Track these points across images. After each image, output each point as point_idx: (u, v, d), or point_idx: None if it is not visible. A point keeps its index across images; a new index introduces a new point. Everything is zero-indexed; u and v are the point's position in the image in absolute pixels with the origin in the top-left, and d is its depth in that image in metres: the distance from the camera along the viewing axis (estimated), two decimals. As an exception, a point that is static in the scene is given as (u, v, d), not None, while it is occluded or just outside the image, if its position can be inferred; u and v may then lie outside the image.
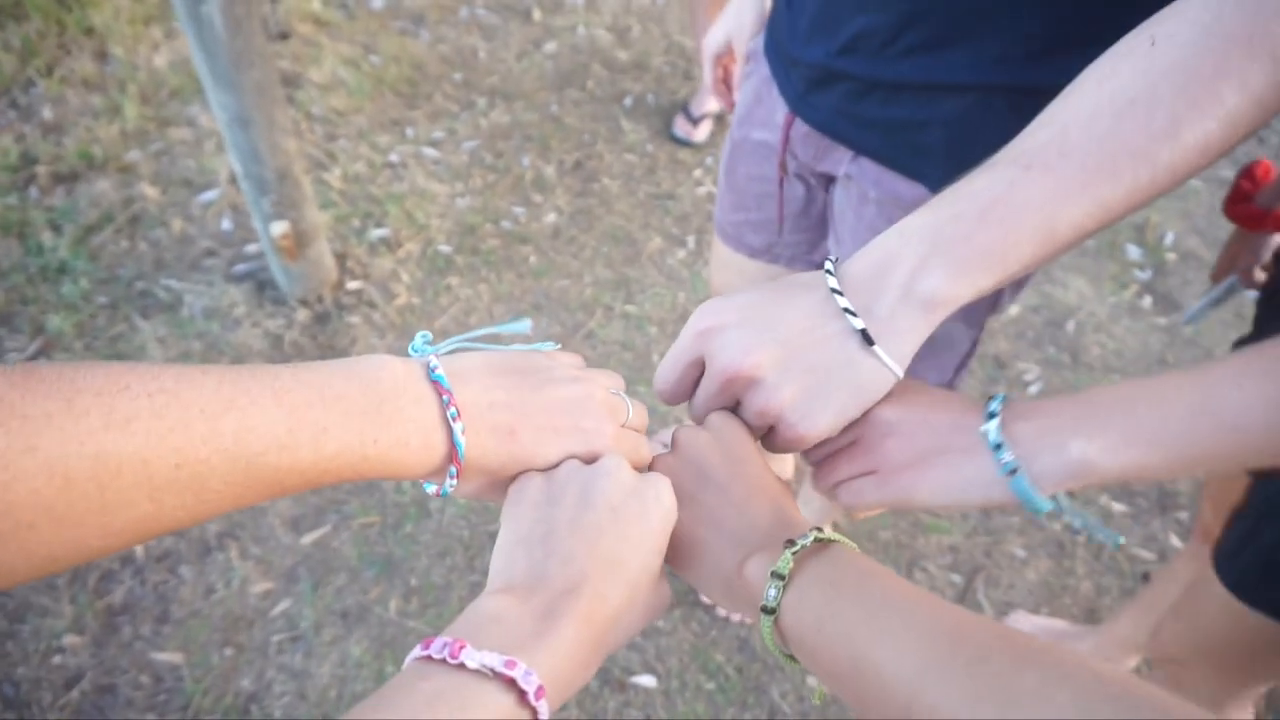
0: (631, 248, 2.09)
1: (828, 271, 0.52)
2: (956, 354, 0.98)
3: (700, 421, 0.56)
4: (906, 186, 0.83)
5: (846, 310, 0.51)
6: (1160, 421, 0.46)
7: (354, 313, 1.88)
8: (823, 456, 0.56)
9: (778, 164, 0.96)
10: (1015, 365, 1.91)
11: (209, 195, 2.07)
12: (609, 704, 1.40)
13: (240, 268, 1.93)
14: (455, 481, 0.46)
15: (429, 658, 0.37)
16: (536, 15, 2.70)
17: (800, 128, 0.89)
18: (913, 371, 0.90)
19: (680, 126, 2.37)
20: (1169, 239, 2.23)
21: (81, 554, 0.34)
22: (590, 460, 0.49)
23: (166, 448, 0.35)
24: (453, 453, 0.45)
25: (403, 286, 1.94)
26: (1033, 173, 0.49)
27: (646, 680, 1.43)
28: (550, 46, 2.61)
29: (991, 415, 0.50)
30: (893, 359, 0.51)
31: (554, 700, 0.39)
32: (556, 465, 0.49)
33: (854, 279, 0.52)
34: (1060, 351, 1.95)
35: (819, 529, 0.47)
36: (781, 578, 0.45)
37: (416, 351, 0.48)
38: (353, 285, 1.93)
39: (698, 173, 2.28)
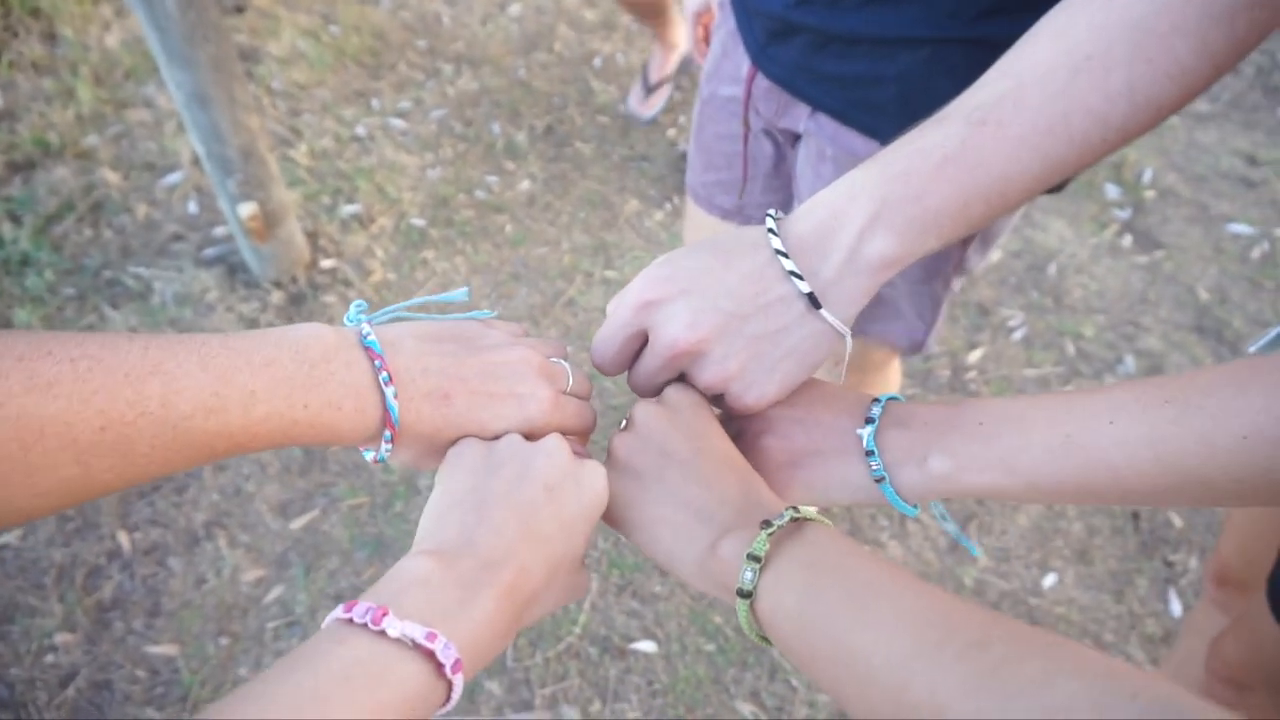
0: (609, 212, 2.06)
1: (770, 231, 0.50)
2: (926, 317, 0.96)
3: (641, 393, 0.55)
4: (862, 143, 0.81)
5: (792, 274, 0.49)
6: (1020, 449, 0.46)
7: (329, 292, 1.84)
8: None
9: (741, 120, 0.94)
10: (999, 311, 1.91)
11: (173, 178, 2.02)
12: (610, 671, 1.40)
13: (210, 251, 1.89)
14: (390, 446, 0.46)
15: (350, 621, 0.37)
16: (498, -24, 2.64)
17: (762, 82, 0.88)
18: (880, 333, 0.89)
19: (633, 99, 2.27)
20: (1147, 176, 2.23)
21: (10, 514, 0.35)
22: (529, 430, 0.50)
23: (91, 410, 0.36)
24: (386, 417, 0.45)
25: (377, 262, 1.91)
26: (985, 129, 0.48)
27: (646, 646, 1.43)
28: (515, 9, 2.55)
29: (870, 421, 0.50)
30: (839, 321, 0.50)
31: (469, 670, 0.39)
32: (493, 432, 0.49)
33: (799, 239, 0.50)
34: (1043, 295, 1.95)
35: (794, 508, 0.46)
36: (757, 560, 0.44)
37: (351, 321, 0.48)
38: (326, 264, 1.89)
39: (671, 132, 2.25)
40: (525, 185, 2.10)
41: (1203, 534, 1.61)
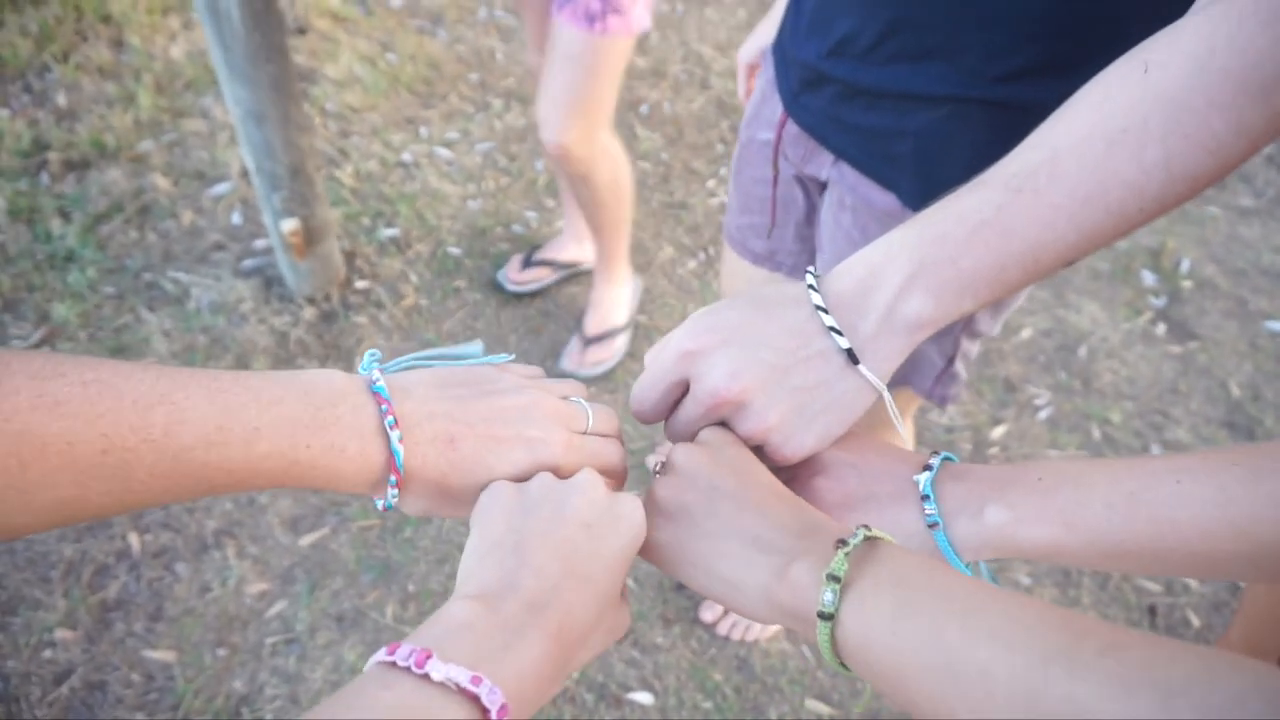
0: (643, 257, 2.08)
1: (811, 287, 0.52)
2: (929, 370, 0.97)
3: (678, 440, 0.55)
4: (879, 194, 0.83)
5: (832, 329, 0.50)
6: (1082, 504, 0.46)
7: (361, 312, 1.87)
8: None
9: (771, 164, 0.96)
10: (1026, 389, 1.89)
11: (220, 188, 2.06)
12: (605, 717, 1.38)
13: (249, 263, 1.92)
14: (396, 492, 0.46)
15: (393, 664, 0.36)
16: (555, 18, 2.69)
17: (792, 128, 0.90)
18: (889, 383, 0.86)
19: (510, 267, 1.96)
20: (1185, 266, 2.21)
21: (3, 529, 0.36)
22: (551, 470, 0.49)
23: (94, 433, 0.36)
24: (391, 462, 0.45)
25: (411, 287, 1.93)
26: (1022, 196, 0.48)
27: (643, 697, 1.41)
28: (568, 50, 2.60)
29: (928, 468, 0.50)
30: (876, 377, 0.51)
31: (516, 715, 0.38)
32: (501, 477, 0.48)
33: (838, 296, 0.51)
34: (1071, 377, 1.93)
35: (865, 526, 0.44)
36: (838, 580, 0.42)
37: (364, 370, 0.48)
38: (360, 284, 1.92)
39: (711, 183, 2.27)
40: (562, 224, 2.12)
41: (1220, 633, 1.57)
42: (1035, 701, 0.33)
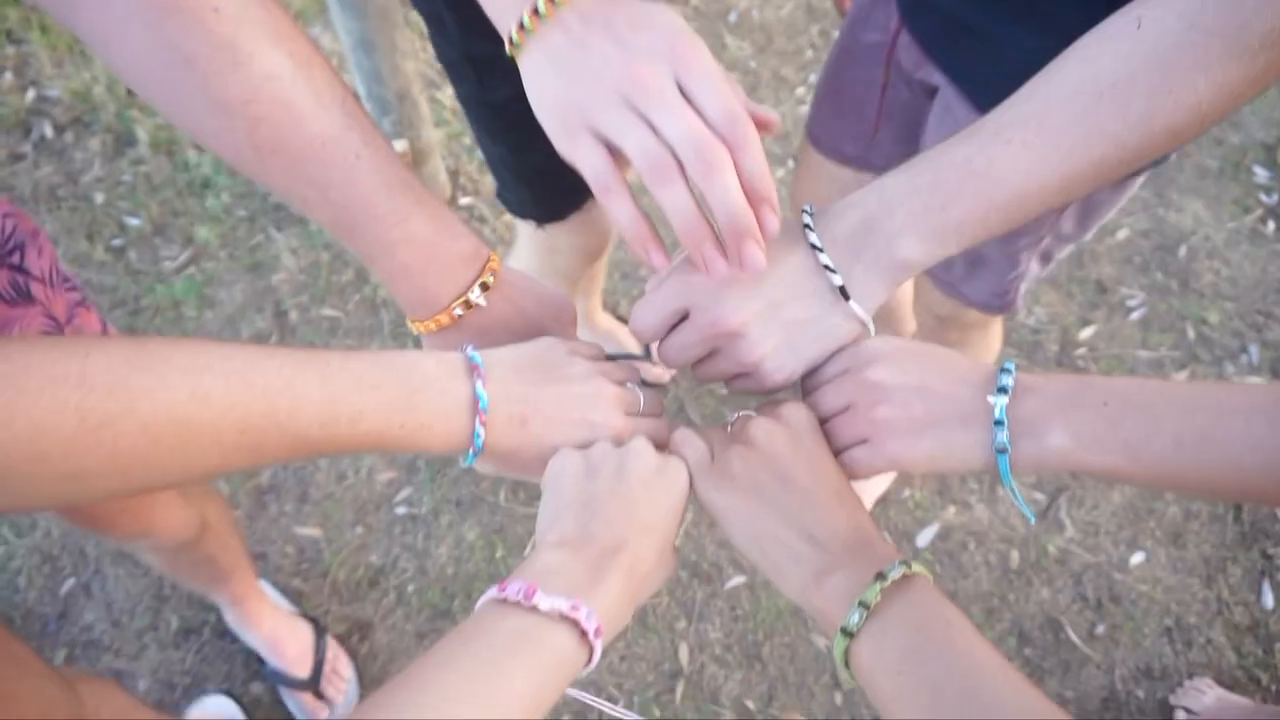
0: (731, 166, 2.12)
1: (807, 226, 0.56)
2: (1005, 275, 0.98)
3: (669, 362, 0.59)
4: (972, 118, 0.84)
5: (827, 267, 0.54)
6: (1149, 437, 0.47)
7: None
8: (822, 420, 0.58)
9: (882, 68, 0.97)
10: (1118, 290, 1.88)
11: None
12: (698, 594, 1.52)
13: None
14: (474, 456, 0.53)
15: (504, 600, 0.45)
16: (643, -72, 2.69)
17: (905, 36, 0.91)
18: (962, 291, 0.93)
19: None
20: (1302, 160, 2.12)
21: (166, 486, 0.45)
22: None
23: (234, 418, 0.43)
24: (472, 436, 0.52)
25: (511, 203, 2.04)
26: (1011, 148, 0.51)
27: (735, 576, 1.53)
28: (656, -39, 2.60)
29: (1003, 390, 0.51)
30: (863, 312, 0.55)
31: (602, 641, 0.46)
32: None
33: (834, 237, 0.55)
34: (1168, 277, 1.91)
35: (905, 562, 0.48)
36: (867, 607, 0.47)
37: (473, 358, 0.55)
38: (464, 201, 2.04)
39: (800, 90, 2.28)
40: (653, 136, 2.18)
41: (1309, 530, 1.58)
42: None
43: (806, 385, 0.60)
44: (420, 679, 0.41)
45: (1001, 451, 0.50)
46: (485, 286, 0.59)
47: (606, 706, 0.56)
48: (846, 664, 0.48)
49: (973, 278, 1.01)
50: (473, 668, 0.42)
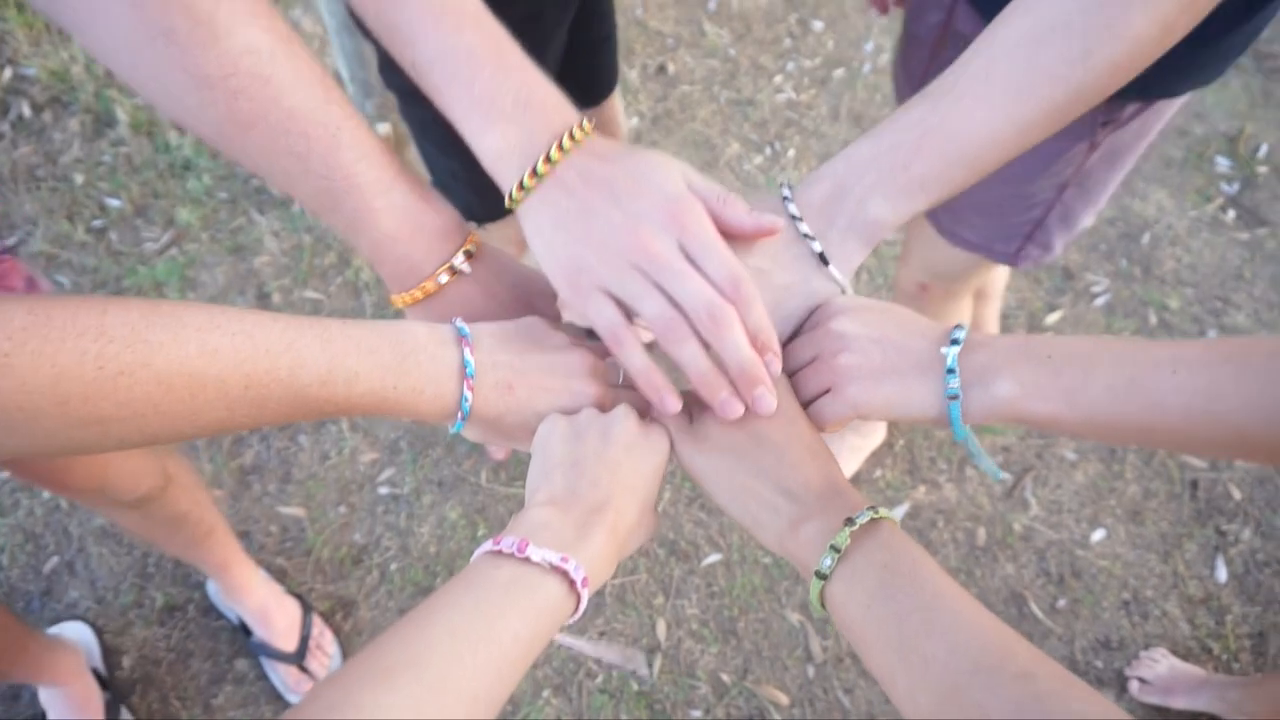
0: (710, 153, 2.15)
1: (785, 198, 0.59)
2: (1014, 217, 1.00)
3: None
4: None
5: (806, 235, 0.58)
6: (1085, 384, 0.51)
7: (447, 211, 2.01)
8: (790, 373, 0.60)
9: (938, 40, 0.99)
10: (1084, 276, 1.94)
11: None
12: (675, 571, 1.56)
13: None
14: (462, 423, 0.56)
15: (499, 552, 0.48)
16: (623, -86, 2.70)
17: (964, 7, 0.91)
18: (963, 237, 0.93)
19: None
20: (1263, 151, 2.18)
21: (177, 438, 0.48)
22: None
23: (239, 374, 0.46)
24: (460, 401, 0.55)
25: (492, 187, 2.06)
26: (964, 102, 0.55)
27: (710, 553, 1.58)
28: (636, -53, 2.62)
29: (955, 342, 0.54)
30: (841, 274, 0.59)
31: (588, 592, 0.50)
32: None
33: (809, 205, 0.59)
34: (1132, 264, 1.96)
35: (873, 508, 0.52)
36: (838, 550, 0.50)
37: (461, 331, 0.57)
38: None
39: (778, 78, 2.31)
40: (634, 122, 2.21)
41: (1261, 508, 1.65)
42: (953, 696, 0.43)
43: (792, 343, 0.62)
44: (428, 617, 0.44)
45: (953, 399, 0.54)
46: (469, 255, 0.60)
47: (597, 648, 0.59)
48: (822, 605, 0.52)
49: (975, 219, 1.03)
50: (474, 608, 0.45)
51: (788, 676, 1.48)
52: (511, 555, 0.48)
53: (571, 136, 0.56)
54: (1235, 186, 2.11)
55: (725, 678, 1.47)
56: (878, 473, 1.67)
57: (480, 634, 0.44)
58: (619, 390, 0.62)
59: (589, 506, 0.53)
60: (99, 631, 1.48)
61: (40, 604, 1.51)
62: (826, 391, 0.58)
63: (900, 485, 1.66)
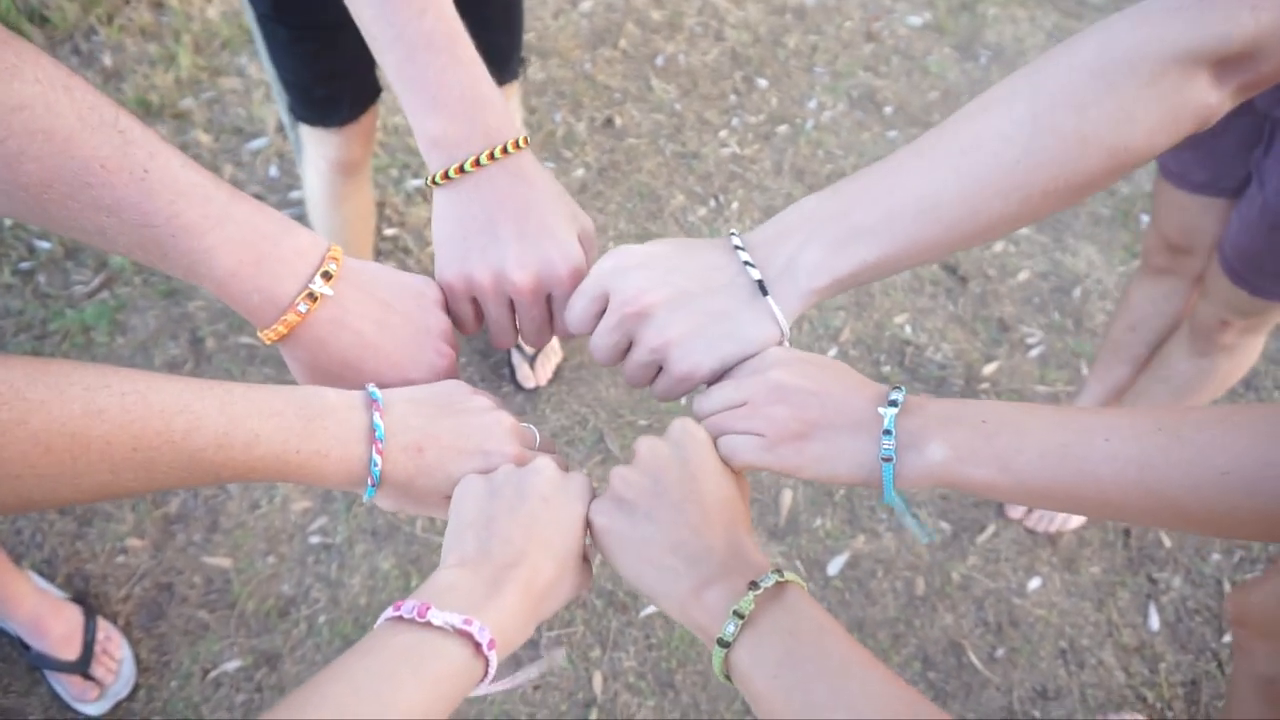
0: (655, 204, 2.18)
1: (731, 233, 0.60)
2: None
3: (598, 354, 0.61)
4: None
5: (747, 263, 0.57)
6: (1015, 451, 0.50)
7: (390, 258, 2.00)
8: (713, 412, 0.59)
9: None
10: (1019, 328, 1.98)
11: (257, 143, 2.20)
12: (612, 623, 1.53)
13: (286, 213, 2.06)
14: (373, 489, 0.54)
15: (400, 618, 0.46)
16: (573, -27, 2.76)
17: None
18: (1260, 283, 1.05)
19: (520, 368, 1.82)
20: (1185, 211, 2.27)
21: (55, 501, 0.45)
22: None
23: (128, 435, 0.44)
24: (368, 465, 0.53)
25: (436, 234, 2.06)
26: (909, 159, 0.56)
27: (648, 606, 1.55)
28: (586, 5, 2.67)
29: (893, 403, 0.54)
30: (780, 314, 0.57)
31: (501, 650, 0.48)
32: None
33: (753, 245, 0.59)
34: (1064, 317, 2.02)
35: (778, 570, 0.51)
36: (742, 616, 0.49)
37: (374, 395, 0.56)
38: (389, 232, 2.05)
39: (723, 133, 2.36)
40: (580, 173, 2.23)
41: (1190, 556, 1.67)
42: None
43: (715, 386, 0.60)
44: (315, 692, 0.42)
45: (887, 460, 0.53)
46: (328, 275, 0.55)
47: (517, 681, 0.56)
48: (726, 675, 0.50)
49: (1273, 271, 1.16)
50: (365, 680, 0.43)
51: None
52: (412, 620, 0.46)
53: (505, 150, 0.60)
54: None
55: (663, 733, 1.44)
56: (817, 522, 1.66)
57: (373, 706, 0.42)
58: (534, 454, 0.60)
59: (501, 564, 0.51)
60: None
61: (-59, 663, 1.43)
62: (751, 433, 0.57)
63: (839, 535, 1.66)
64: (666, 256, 0.59)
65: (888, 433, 0.52)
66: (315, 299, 0.55)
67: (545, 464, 0.57)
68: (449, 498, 0.56)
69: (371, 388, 0.55)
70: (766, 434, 0.56)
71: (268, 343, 0.56)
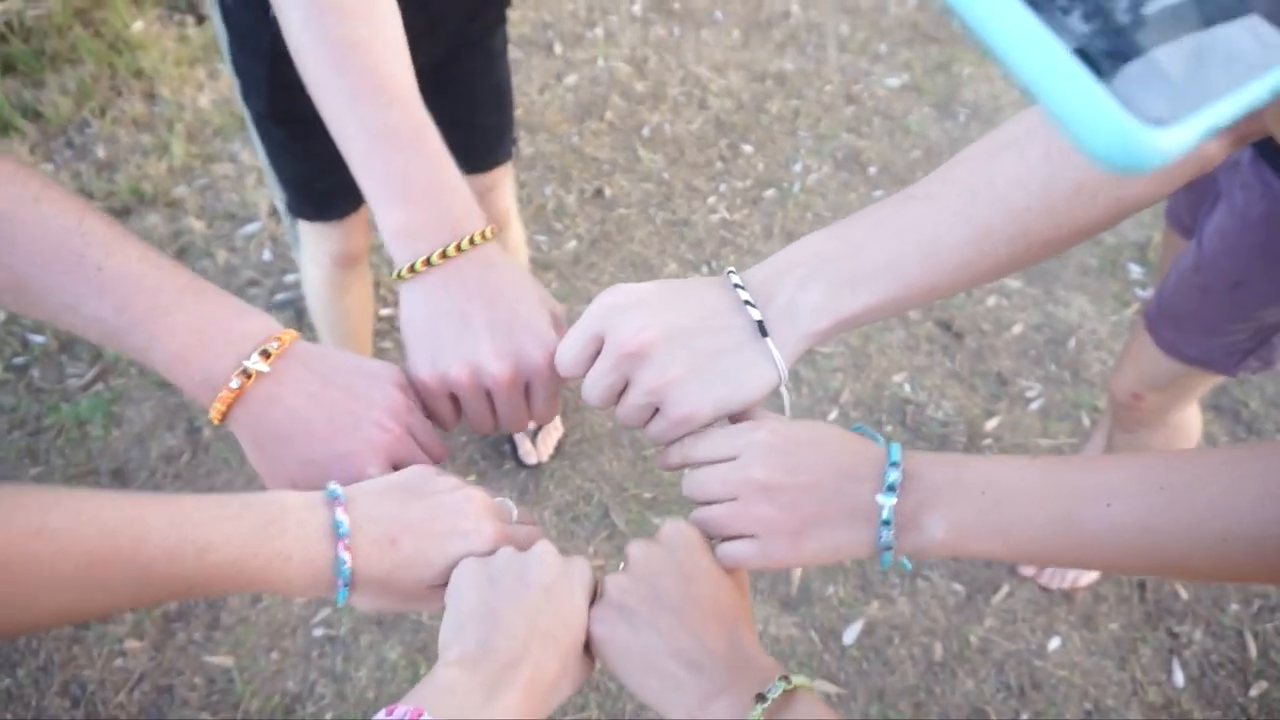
0: (648, 273, 2.19)
1: (730, 271, 0.58)
2: (1222, 341, 1.11)
3: (591, 397, 0.58)
4: None
5: (747, 303, 0.56)
6: (1021, 523, 0.49)
7: (386, 339, 2.00)
8: (704, 509, 0.57)
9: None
10: (1017, 382, 1.99)
11: (251, 228, 2.21)
12: (626, 706, 1.49)
13: (281, 296, 2.06)
14: (346, 591, 0.51)
15: None
16: (558, 49, 2.82)
17: None
18: (1201, 349, 1.03)
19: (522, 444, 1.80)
20: (1171, 257, 2.30)
21: (13, 628, 0.44)
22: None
23: (76, 553, 0.44)
24: (335, 566, 0.50)
25: (432, 312, 2.06)
26: (917, 202, 0.55)
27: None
28: (571, 79, 2.72)
29: (890, 489, 0.52)
30: (780, 355, 0.55)
31: None
32: (441, 569, 0.53)
33: (752, 283, 0.57)
34: (1061, 368, 2.02)
35: (785, 678, 0.49)
36: None
37: (329, 495, 0.54)
38: (385, 312, 2.05)
39: (711, 199, 2.39)
40: (572, 245, 2.25)
41: (1209, 607, 1.65)
42: None
43: (694, 451, 0.58)
44: None
45: (886, 550, 0.52)
46: (267, 354, 0.55)
47: None
48: None
49: (1198, 338, 1.13)
50: None
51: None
52: None
53: (471, 241, 0.60)
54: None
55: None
56: (830, 589, 1.64)
57: None
58: (514, 528, 0.58)
59: (502, 663, 0.48)
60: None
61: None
62: (746, 535, 0.55)
63: (853, 602, 1.63)
64: (663, 295, 0.57)
65: (886, 523, 0.51)
66: (250, 376, 0.55)
67: (546, 549, 0.55)
68: (433, 588, 0.54)
69: (332, 485, 0.53)
70: (759, 535, 0.54)
71: (216, 423, 0.56)
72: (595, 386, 0.58)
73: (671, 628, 0.52)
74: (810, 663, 1.56)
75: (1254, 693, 1.54)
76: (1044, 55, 0.22)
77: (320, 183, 1.30)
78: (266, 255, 2.15)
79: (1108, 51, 0.23)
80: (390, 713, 0.45)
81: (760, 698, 0.48)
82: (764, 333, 0.55)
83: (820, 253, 0.56)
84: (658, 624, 0.52)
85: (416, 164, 0.59)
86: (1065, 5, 0.23)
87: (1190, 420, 1.37)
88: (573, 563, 0.55)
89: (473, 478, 1.76)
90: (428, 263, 0.59)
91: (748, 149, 2.52)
